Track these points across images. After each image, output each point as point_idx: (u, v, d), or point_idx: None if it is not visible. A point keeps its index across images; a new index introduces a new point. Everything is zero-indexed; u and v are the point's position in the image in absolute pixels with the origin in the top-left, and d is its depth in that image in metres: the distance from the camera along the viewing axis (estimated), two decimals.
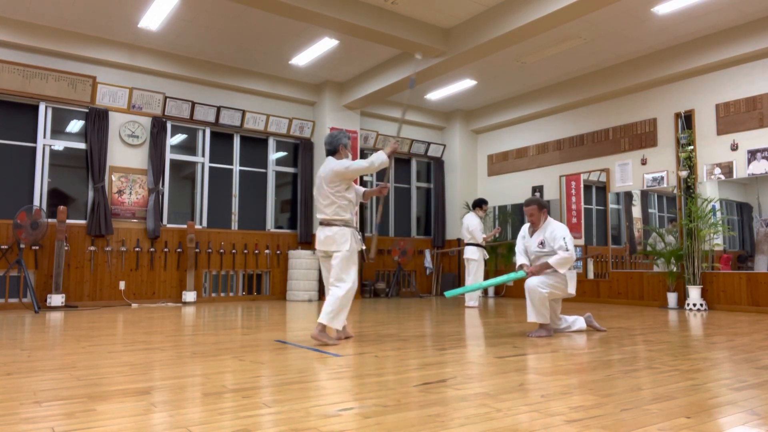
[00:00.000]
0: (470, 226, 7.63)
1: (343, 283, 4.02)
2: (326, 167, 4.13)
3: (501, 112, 10.33)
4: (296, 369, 3.07)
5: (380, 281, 10.07)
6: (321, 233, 4.12)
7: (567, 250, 4.46)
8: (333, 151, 4.22)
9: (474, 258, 7.57)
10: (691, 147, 7.62)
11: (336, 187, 4.07)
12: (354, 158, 9.17)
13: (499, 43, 6.84)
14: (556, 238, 4.53)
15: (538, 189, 9.84)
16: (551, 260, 4.49)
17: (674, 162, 7.87)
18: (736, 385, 2.67)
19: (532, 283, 4.56)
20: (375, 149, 10.27)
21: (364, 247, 4.15)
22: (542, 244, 4.63)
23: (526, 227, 4.85)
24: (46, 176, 7.43)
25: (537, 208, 4.66)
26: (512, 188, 10.33)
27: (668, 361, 3.36)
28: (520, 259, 4.82)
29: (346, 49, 7.93)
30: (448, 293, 4.81)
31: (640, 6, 6.52)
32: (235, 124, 8.77)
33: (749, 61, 7.17)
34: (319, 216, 4.14)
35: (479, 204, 7.88)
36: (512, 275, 4.74)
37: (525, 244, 4.82)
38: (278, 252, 9.10)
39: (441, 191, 10.95)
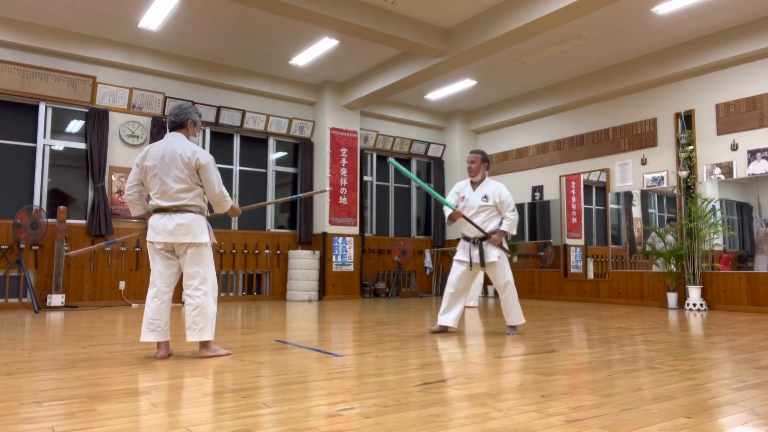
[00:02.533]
0: None
1: (206, 285, 3.42)
2: (179, 146, 3.38)
3: (501, 112, 10.33)
4: (296, 369, 3.07)
5: (380, 281, 10.06)
6: (168, 221, 3.34)
7: (513, 210, 4.68)
8: (179, 125, 3.49)
9: None
10: (691, 147, 7.62)
11: (193, 172, 3.40)
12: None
13: (499, 43, 6.84)
14: (501, 195, 4.66)
15: (538, 189, 9.85)
16: (505, 227, 4.63)
17: (674, 162, 7.87)
18: (736, 385, 2.67)
19: (512, 280, 4.65)
20: (375, 149, 10.28)
21: (215, 241, 3.62)
22: (486, 197, 4.68)
23: (463, 182, 4.88)
24: (46, 176, 7.43)
25: (480, 157, 4.77)
26: (512, 188, 10.18)
27: (668, 361, 3.36)
28: (448, 212, 4.72)
29: (346, 49, 7.93)
30: (391, 160, 4.87)
31: (640, 6, 6.52)
32: (235, 124, 8.77)
33: (749, 61, 7.16)
34: (164, 202, 3.37)
35: None
36: (446, 201, 4.72)
37: (466, 198, 4.74)
38: (278, 252, 9.10)
39: (441, 191, 10.95)
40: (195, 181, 3.40)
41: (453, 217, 4.65)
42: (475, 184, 4.78)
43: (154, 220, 3.41)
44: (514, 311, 4.63)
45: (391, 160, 4.85)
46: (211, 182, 3.43)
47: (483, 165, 4.76)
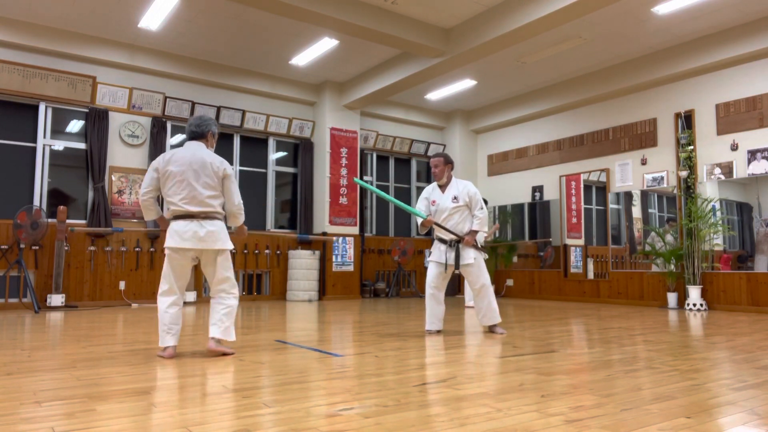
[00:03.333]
0: None
1: (234, 289, 3.57)
2: (206, 155, 3.51)
3: (501, 112, 10.33)
4: (296, 369, 3.07)
5: (380, 281, 10.06)
6: (199, 228, 3.40)
7: (482, 208, 4.67)
8: (200, 135, 3.59)
9: None
10: (691, 147, 7.62)
11: (219, 181, 3.53)
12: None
13: (499, 43, 6.84)
14: (470, 193, 4.67)
15: (538, 189, 9.85)
16: (476, 226, 4.62)
17: (674, 162, 7.87)
18: (736, 385, 2.67)
19: (488, 282, 4.64)
20: (375, 149, 10.28)
21: (232, 247, 3.62)
22: (455, 198, 4.68)
23: (430, 187, 4.87)
24: (46, 176, 7.43)
25: (443, 160, 4.75)
26: (512, 188, 10.33)
27: (668, 361, 3.36)
28: (419, 220, 4.69)
29: (346, 49, 7.93)
30: (356, 180, 4.88)
31: (640, 6, 6.52)
32: (235, 124, 8.77)
33: (749, 61, 7.16)
34: (193, 207, 3.40)
35: None
36: (416, 211, 4.72)
37: (437, 202, 4.72)
38: (278, 252, 9.10)
39: None
40: (220, 190, 3.54)
41: (425, 225, 4.65)
42: (442, 187, 4.79)
43: (181, 226, 3.41)
44: (490, 312, 4.66)
45: (356, 180, 4.88)
46: (232, 192, 3.56)
47: (447, 167, 4.76)
